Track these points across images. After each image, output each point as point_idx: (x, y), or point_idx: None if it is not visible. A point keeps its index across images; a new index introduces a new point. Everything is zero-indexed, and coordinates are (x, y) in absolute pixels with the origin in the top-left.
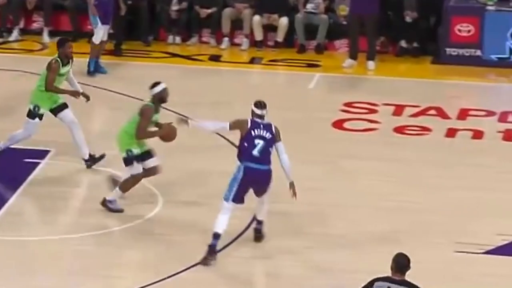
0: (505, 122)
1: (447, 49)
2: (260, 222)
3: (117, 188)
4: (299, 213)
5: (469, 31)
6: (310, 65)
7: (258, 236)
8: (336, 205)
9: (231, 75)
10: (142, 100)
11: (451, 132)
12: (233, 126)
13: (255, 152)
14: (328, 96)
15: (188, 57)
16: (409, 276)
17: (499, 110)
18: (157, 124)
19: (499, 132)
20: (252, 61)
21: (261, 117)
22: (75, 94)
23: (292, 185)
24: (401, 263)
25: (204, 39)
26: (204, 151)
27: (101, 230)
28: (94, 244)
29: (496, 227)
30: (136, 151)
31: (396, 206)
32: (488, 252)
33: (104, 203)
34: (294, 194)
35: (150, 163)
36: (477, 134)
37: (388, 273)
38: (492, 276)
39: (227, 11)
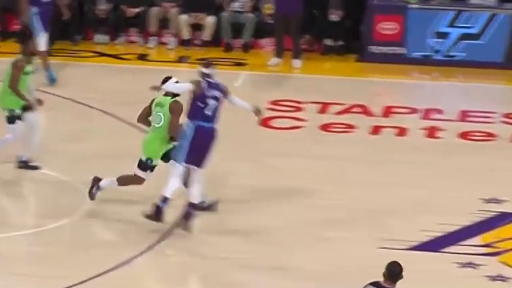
0: (428, 120)
1: (371, 47)
2: (192, 205)
3: (115, 179)
4: (227, 210)
5: (392, 29)
6: (237, 64)
7: (188, 223)
8: (263, 202)
9: (159, 74)
10: (71, 99)
11: (375, 130)
12: (194, 85)
13: (208, 111)
14: (254, 94)
15: (115, 56)
16: (335, 272)
17: (422, 107)
18: None
19: (423, 129)
20: (180, 60)
21: (211, 75)
22: (33, 106)
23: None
24: (393, 271)
25: (131, 38)
26: (131, 153)
27: (34, 229)
28: (31, 243)
29: (419, 223)
30: (155, 162)
31: (322, 203)
32: (412, 248)
33: (95, 181)
34: (260, 114)
35: None
36: (401, 131)
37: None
38: (417, 272)
39: (154, 10)
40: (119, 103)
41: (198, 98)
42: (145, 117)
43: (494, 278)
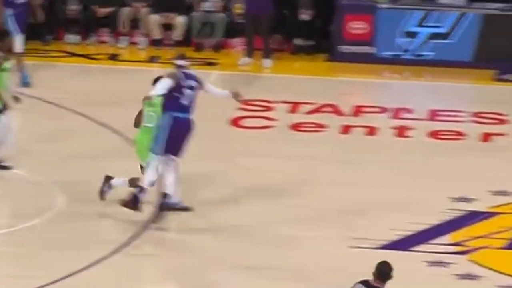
0: (398, 119)
1: (341, 47)
2: (166, 196)
3: (127, 179)
4: (199, 210)
5: (362, 28)
6: (208, 63)
7: (162, 213)
8: (234, 202)
9: (130, 74)
10: (42, 99)
11: (345, 129)
12: (172, 78)
13: (184, 101)
14: None
15: (87, 56)
16: (306, 271)
17: (392, 106)
18: None
19: (392, 128)
20: (151, 59)
21: (186, 66)
22: (9, 105)
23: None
24: (383, 271)
25: (103, 38)
26: (103, 153)
27: (7, 229)
28: (3, 243)
29: (389, 222)
30: None
31: (292, 203)
32: (382, 247)
33: (107, 180)
34: (240, 97)
35: None
36: (371, 131)
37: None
38: None
39: (125, 10)
40: (90, 103)
41: (174, 88)
42: (142, 121)
43: (463, 277)
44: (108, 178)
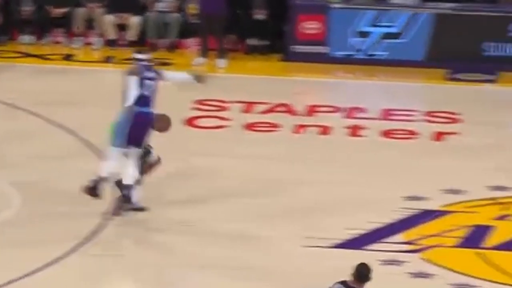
0: (351, 118)
1: (294, 47)
2: (127, 187)
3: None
4: (154, 210)
5: (315, 28)
6: (162, 64)
7: (122, 205)
8: (189, 202)
9: (85, 74)
10: None
11: (299, 128)
12: (134, 74)
13: (145, 91)
14: (179, 94)
15: (41, 57)
16: (262, 271)
17: (345, 106)
18: None
19: (346, 127)
20: (106, 60)
21: (144, 59)
22: None
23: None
24: (361, 272)
25: (57, 38)
26: (58, 153)
27: None
28: None
29: (343, 221)
30: None
31: (247, 202)
32: (335, 246)
33: (119, 185)
34: (203, 80)
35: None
36: (325, 130)
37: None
38: (340, 270)
39: (80, 11)
40: (45, 103)
41: (137, 83)
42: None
43: (416, 275)
44: (119, 183)
